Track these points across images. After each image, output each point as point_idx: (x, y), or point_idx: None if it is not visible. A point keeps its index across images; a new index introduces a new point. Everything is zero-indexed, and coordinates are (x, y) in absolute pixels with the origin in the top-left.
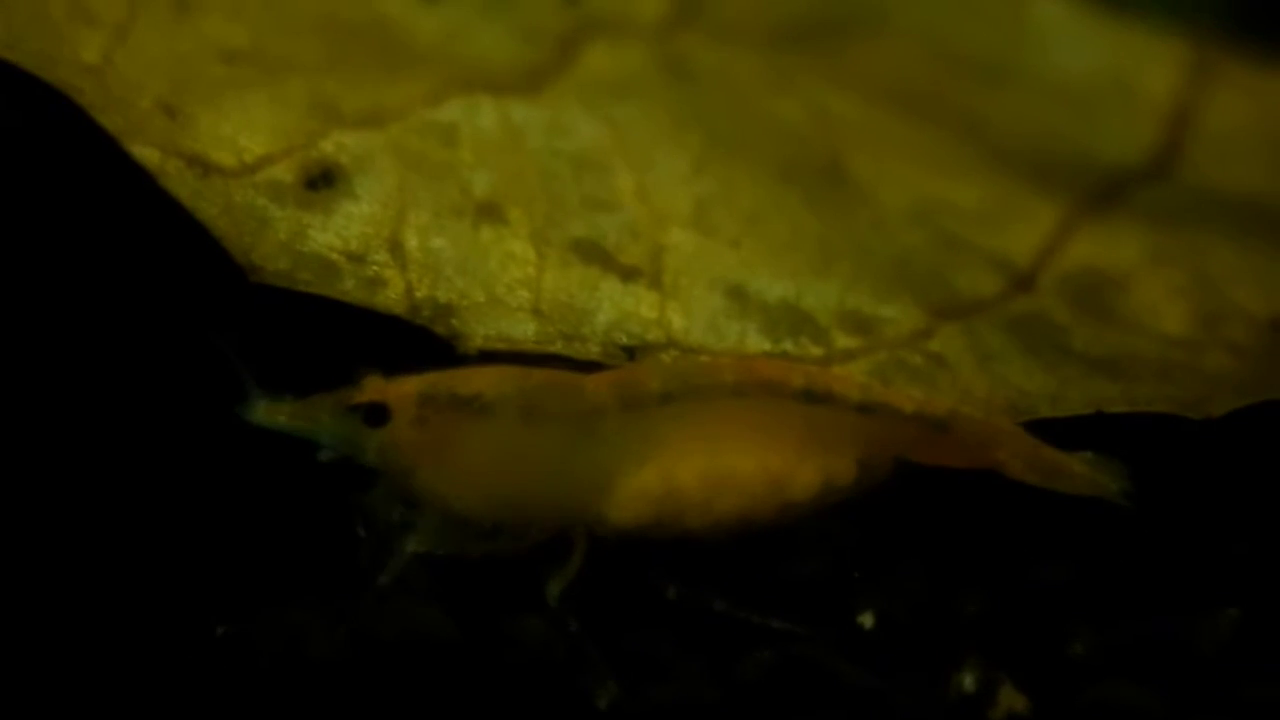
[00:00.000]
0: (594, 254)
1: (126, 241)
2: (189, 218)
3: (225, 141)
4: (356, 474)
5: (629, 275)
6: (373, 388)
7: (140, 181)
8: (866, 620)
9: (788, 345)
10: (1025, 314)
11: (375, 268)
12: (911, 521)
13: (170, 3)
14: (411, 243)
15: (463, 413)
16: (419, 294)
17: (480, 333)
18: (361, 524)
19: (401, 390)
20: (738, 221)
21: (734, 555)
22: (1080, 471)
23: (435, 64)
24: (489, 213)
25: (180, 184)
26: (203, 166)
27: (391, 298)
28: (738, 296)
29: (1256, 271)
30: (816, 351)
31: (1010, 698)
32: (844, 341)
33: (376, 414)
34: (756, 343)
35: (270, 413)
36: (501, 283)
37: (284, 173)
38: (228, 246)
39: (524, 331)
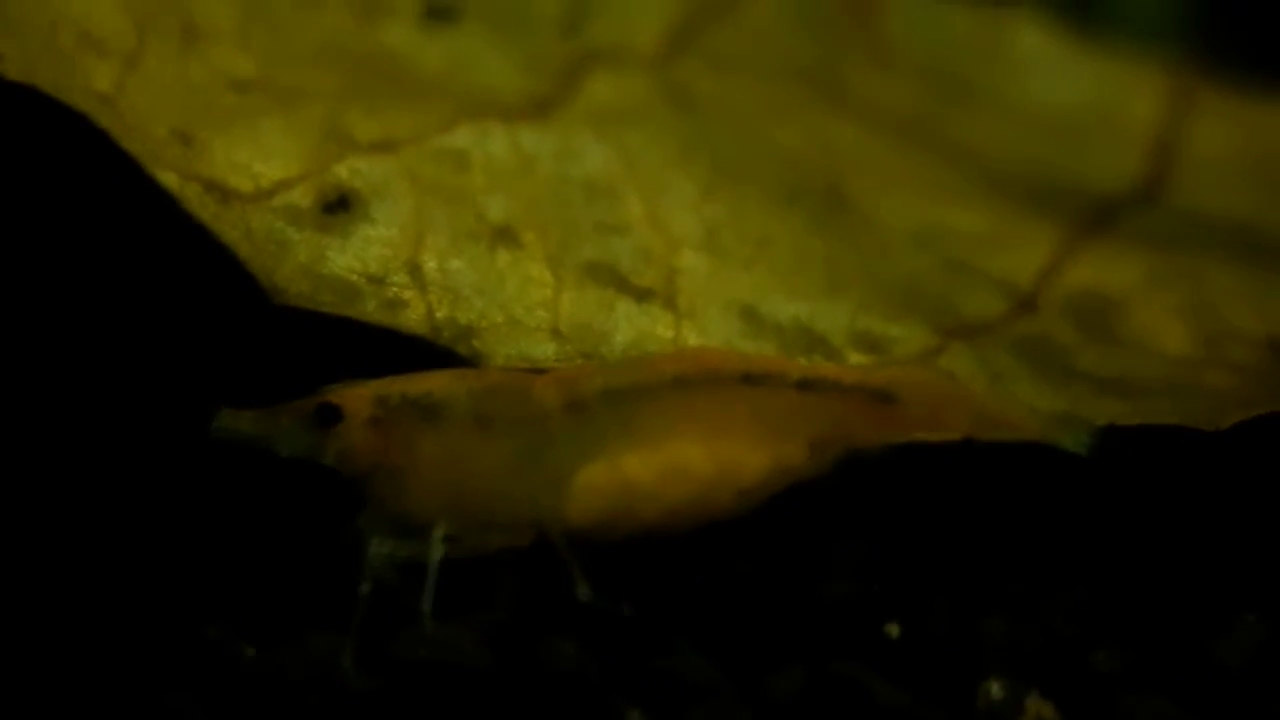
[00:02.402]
0: (609, 276)
1: (152, 263)
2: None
3: (240, 168)
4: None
5: (644, 296)
6: (330, 393)
7: (168, 204)
8: (893, 631)
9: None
10: (1030, 335)
11: (395, 289)
12: (931, 540)
13: (178, 33)
14: (430, 265)
15: (414, 414)
16: (439, 315)
17: (502, 353)
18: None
19: (354, 393)
20: (747, 245)
21: (764, 573)
22: (1028, 425)
23: (444, 92)
24: (504, 237)
25: (201, 208)
26: (221, 192)
27: (413, 319)
28: (751, 318)
29: (1251, 294)
30: None
31: (1038, 706)
32: (857, 359)
33: (329, 415)
34: None
35: (232, 420)
36: (520, 304)
37: (301, 197)
38: (251, 269)
39: (544, 352)
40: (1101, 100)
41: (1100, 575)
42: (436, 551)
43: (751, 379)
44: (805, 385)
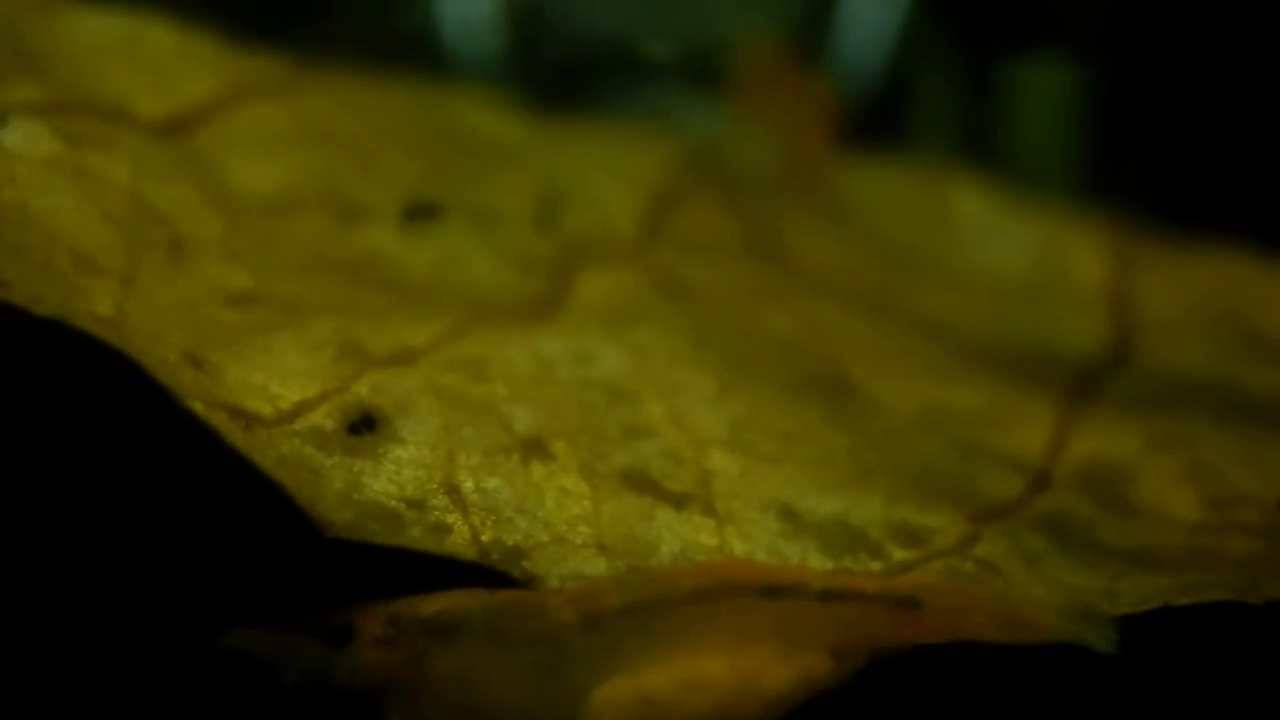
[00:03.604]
0: (643, 483)
1: (198, 490)
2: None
3: (258, 390)
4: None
5: (681, 503)
6: (343, 613)
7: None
8: None
9: (848, 562)
10: (1051, 512)
11: (437, 513)
12: None
13: (166, 247)
14: (467, 485)
15: (426, 631)
16: (485, 538)
17: (554, 573)
18: None
19: (367, 612)
20: (773, 440)
21: None
22: (1056, 625)
23: (445, 297)
24: (535, 448)
25: (232, 436)
26: (245, 418)
27: (459, 544)
28: (790, 517)
29: (1246, 456)
30: (876, 566)
31: None
32: (900, 554)
33: (340, 635)
34: (819, 562)
35: (244, 638)
36: (562, 520)
37: (324, 419)
38: (296, 500)
39: (595, 568)
40: (1050, 263)
41: None
42: None
43: (772, 591)
44: (828, 596)
